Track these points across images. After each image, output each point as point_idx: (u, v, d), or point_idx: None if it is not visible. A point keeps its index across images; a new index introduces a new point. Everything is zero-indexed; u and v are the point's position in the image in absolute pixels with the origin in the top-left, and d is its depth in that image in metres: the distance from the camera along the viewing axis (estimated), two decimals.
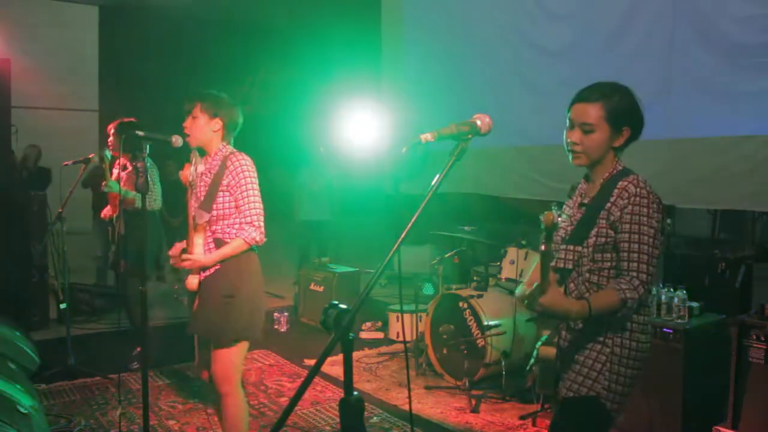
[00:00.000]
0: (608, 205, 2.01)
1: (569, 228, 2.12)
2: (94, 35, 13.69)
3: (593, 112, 2.04)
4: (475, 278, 4.85)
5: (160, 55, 13.75)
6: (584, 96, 2.08)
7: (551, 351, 2.17)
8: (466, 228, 5.76)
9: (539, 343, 2.23)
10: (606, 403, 2.01)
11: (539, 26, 6.38)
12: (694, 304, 3.52)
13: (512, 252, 4.61)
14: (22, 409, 3.01)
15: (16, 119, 6.39)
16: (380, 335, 5.74)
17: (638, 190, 1.99)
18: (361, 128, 7.03)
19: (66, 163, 4.80)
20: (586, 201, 2.12)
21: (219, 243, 2.86)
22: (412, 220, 1.75)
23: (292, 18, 14.63)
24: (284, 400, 4.29)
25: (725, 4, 4.72)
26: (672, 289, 3.53)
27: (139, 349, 4.83)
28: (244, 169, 2.86)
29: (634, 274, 1.92)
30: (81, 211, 7.25)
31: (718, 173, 4.87)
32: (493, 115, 1.83)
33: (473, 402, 4.10)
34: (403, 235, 1.70)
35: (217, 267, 2.85)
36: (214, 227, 2.85)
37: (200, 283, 2.88)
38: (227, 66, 15.01)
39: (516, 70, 6.61)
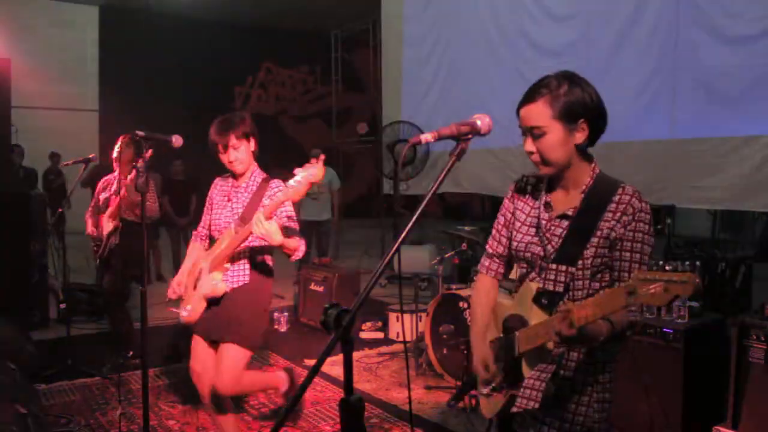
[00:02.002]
0: (608, 221, 1.78)
1: (549, 245, 1.85)
2: (94, 35, 13.71)
3: (538, 111, 1.79)
4: (475, 278, 4.84)
5: (160, 55, 13.76)
6: (526, 97, 1.84)
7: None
8: (466, 228, 5.76)
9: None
10: (598, 425, 1.86)
11: (541, 27, 6.38)
12: (694, 304, 3.52)
13: None
14: (21, 409, 3.01)
15: (16, 119, 6.39)
16: (380, 335, 5.74)
17: (642, 205, 1.78)
18: (361, 129, 7.02)
19: (66, 163, 4.80)
20: (569, 213, 1.84)
21: (256, 252, 3.03)
22: (413, 220, 1.75)
23: (292, 18, 14.63)
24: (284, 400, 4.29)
25: (729, 6, 4.73)
26: None
27: (131, 353, 4.85)
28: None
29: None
30: (81, 211, 7.26)
31: (720, 173, 4.88)
32: (494, 116, 1.83)
33: (473, 402, 4.10)
34: (403, 235, 1.69)
35: (248, 279, 3.02)
36: (250, 240, 2.94)
37: (232, 291, 2.99)
38: (227, 66, 15.04)
39: (517, 70, 6.61)
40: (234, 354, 2.95)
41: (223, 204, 3.09)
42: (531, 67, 6.47)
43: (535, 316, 1.81)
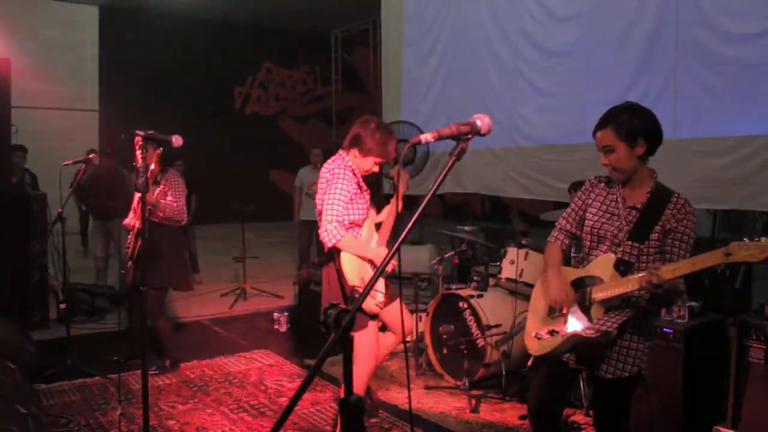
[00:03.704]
0: (667, 214, 2.41)
1: (625, 227, 2.47)
2: (94, 35, 13.69)
3: (607, 135, 2.42)
4: (475, 278, 4.85)
5: (160, 54, 13.76)
6: (598, 125, 2.47)
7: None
8: (466, 228, 5.76)
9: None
10: (643, 373, 2.51)
11: (542, 27, 6.37)
12: (694, 304, 3.52)
13: (512, 252, 4.61)
14: (21, 409, 3.01)
15: (16, 119, 6.39)
16: None
17: (691, 209, 2.43)
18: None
19: (66, 163, 4.80)
20: (638, 206, 2.47)
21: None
22: (413, 220, 1.75)
23: (292, 18, 14.63)
24: (284, 400, 4.29)
25: (729, 6, 4.72)
26: None
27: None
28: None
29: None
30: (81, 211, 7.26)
31: (721, 173, 4.88)
32: (494, 116, 1.83)
33: (473, 402, 4.10)
34: (403, 235, 1.70)
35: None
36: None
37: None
38: (227, 66, 15.04)
39: (518, 70, 6.61)
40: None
41: (362, 195, 3.42)
42: (531, 67, 6.47)
43: (612, 278, 2.42)
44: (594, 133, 2.47)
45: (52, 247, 5.13)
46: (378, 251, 3.37)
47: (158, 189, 4.63)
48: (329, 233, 3.20)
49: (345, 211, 3.25)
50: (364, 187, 3.47)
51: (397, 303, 3.54)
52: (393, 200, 3.51)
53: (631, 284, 2.32)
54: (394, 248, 1.69)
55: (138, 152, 4.35)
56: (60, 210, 4.72)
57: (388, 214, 3.56)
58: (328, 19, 13.28)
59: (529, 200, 6.71)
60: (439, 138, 1.84)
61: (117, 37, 13.58)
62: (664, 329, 3.39)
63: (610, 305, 2.43)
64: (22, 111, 9.57)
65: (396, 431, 3.80)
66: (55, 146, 11.39)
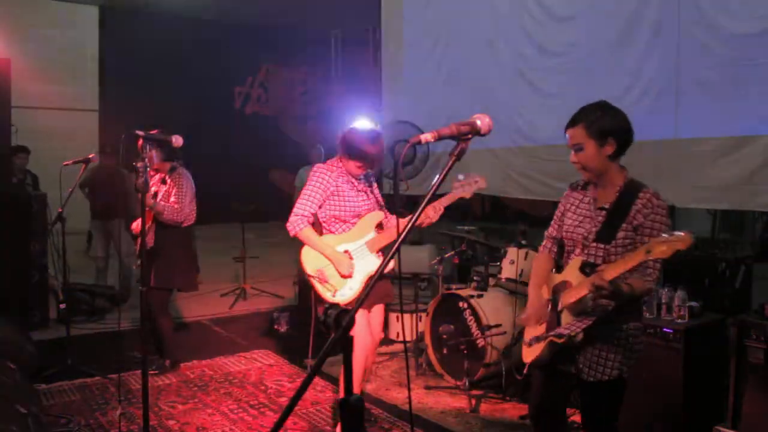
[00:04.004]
0: (633, 212, 2.38)
1: (593, 228, 2.48)
2: (94, 35, 13.68)
3: (577, 133, 2.44)
4: (475, 278, 4.85)
5: (160, 55, 13.75)
6: (569, 122, 2.49)
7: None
8: (466, 228, 5.76)
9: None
10: (624, 376, 2.47)
11: (542, 27, 6.36)
12: (694, 304, 3.52)
13: (512, 252, 4.61)
14: (21, 409, 3.01)
15: (16, 119, 6.38)
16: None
17: (659, 202, 2.39)
18: (361, 128, 7.00)
19: (66, 163, 4.80)
20: (606, 206, 2.47)
21: None
22: (413, 220, 1.75)
23: (292, 18, 14.62)
24: (284, 400, 4.29)
25: (730, 6, 4.72)
26: (672, 289, 3.52)
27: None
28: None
29: (650, 270, 2.33)
30: (81, 211, 7.25)
31: (722, 173, 4.87)
32: (494, 116, 1.83)
33: (473, 402, 4.10)
34: (403, 235, 1.70)
35: None
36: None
37: None
38: (227, 66, 15.03)
39: (518, 70, 6.60)
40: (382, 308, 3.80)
41: (354, 193, 3.58)
42: (532, 67, 6.46)
43: (578, 282, 2.42)
44: (565, 131, 2.49)
45: (52, 247, 5.13)
46: (335, 254, 3.49)
47: (164, 189, 4.66)
48: (291, 224, 3.55)
49: (312, 206, 3.54)
50: (361, 188, 3.62)
51: (382, 305, 3.75)
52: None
53: (584, 288, 2.33)
54: (394, 248, 1.69)
55: (145, 154, 4.45)
56: (60, 210, 4.72)
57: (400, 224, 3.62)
58: (328, 19, 13.27)
59: (529, 200, 6.70)
60: (439, 138, 1.84)
61: (117, 37, 13.57)
62: (664, 329, 3.39)
63: (577, 310, 2.43)
64: (22, 111, 9.57)
65: (396, 431, 3.80)
66: (55, 146, 11.36)
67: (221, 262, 8.85)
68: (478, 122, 1.84)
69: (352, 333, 3.34)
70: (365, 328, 3.58)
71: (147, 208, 4.45)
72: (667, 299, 3.50)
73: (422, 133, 1.91)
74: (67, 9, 13.28)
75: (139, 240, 4.71)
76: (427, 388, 4.44)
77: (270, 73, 16.56)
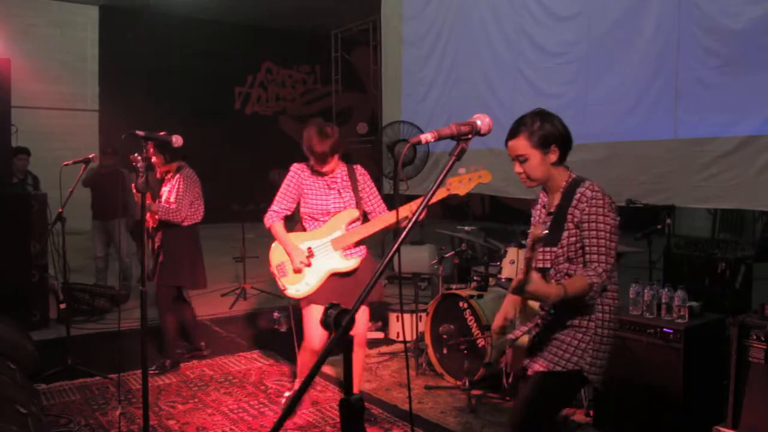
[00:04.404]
0: (571, 209, 2.38)
1: (543, 233, 2.37)
2: (94, 35, 13.67)
3: (520, 144, 2.41)
4: (475, 278, 4.85)
5: (160, 55, 13.74)
6: (510, 134, 2.46)
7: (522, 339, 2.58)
8: (466, 228, 5.76)
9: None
10: (588, 375, 2.40)
11: (542, 27, 6.37)
12: (694, 304, 3.52)
13: (512, 252, 4.61)
14: (21, 409, 3.01)
15: (16, 119, 6.38)
16: (380, 335, 5.74)
17: (594, 194, 2.36)
18: (361, 129, 7.02)
19: (66, 163, 4.80)
20: (552, 210, 2.48)
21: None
22: (412, 220, 1.75)
23: (292, 18, 14.63)
24: (284, 400, 4.28)
25: (729, 6, 4.72)
26: (672, 289, 3.52)
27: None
28: (368, 176, 3.88)
29: (595, 264, 2.30)
30: (81, 211, 7.25)
31: (722, 173, 4.87)
32: (494, 116, 1.83)
33: (473, 402, 4.10)
34: (403, 235, 1.70)
35: (364, 251, 3.81)
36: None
37: (361, 263, 3.75)
38: (227, 66, 15.02)
39: (518, 70, 6.61)
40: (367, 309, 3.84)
41: (324, 192, 3.68)
42: (532, 67, 6.47)
43: None
44: (506, 143, 2.46)
45: (52, 247, 5.13)
46: (293, 250, 3.67)
47: (167, 189, 4.74)
48: (265, 218, 3.77)
49: (284, 204, 3.75)
50: (335, 186, 3.71)
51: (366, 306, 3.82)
52: (393, 212, 3.68)
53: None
54: (394, 248, 1.69)
55: (153, 157, 4.60)
56: (60, 210, 4.72)
57: (378, 221, 3.68)
58: (328, 19, 13.27)
59: (529, 200, 6.71)
60: (439, 138, 1.84)
61: (117, 37, 13.56)
62: (664, 329, 3.39)
63: (532, 314, 2.51)
64: (22, 111, 9.55)
65: (396, 431, 3.80)
66: (55, 146, 11.37)
67: (221, 262, 8.84)
68: (478, 122, 1.84)
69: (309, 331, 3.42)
70: (310, 326, 3.70)
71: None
72: (667, 299, 3.49)
73: (422, 132, 1.92)
74: (67, 9, 13.28)
75: (149, 240, 4.82)
76: (427, 388, 4.44)
77: (270, 73, 16.56)
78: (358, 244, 3.73)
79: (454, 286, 4.83)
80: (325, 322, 1.66)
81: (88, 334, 5.86)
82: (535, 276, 2.19)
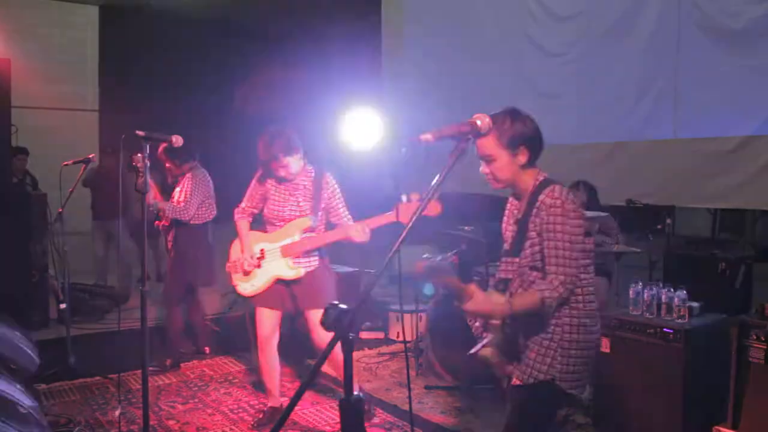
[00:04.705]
0: (532, 217, 2.23)
1: (509, 243, 2.37)
2: (94, 35, 13.65)
3: (488, 143, 2.24)
4: (475, 278, 4.84)
5: (160, 54, 13.72)
6: None
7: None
8: (466, 228, 5.75)
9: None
10: (561, 384, 2.23)
11: (542, 27, 6.36)
12: (694, 304, 3.52)
13: None
14: (21, 409, 3.00)
15: (16, 119, 6.38)
16: (380, 335, 5.74)
17: (553, 201, 2.19)
18: (362, 128, 7.03)
19: (66, 163, 4.80)
20: (519, 216, 2.33)
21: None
22: (412, 220, 1.75)
23: (292, 18, 14.62)
24: (284, 400, 4.28)
25: (730, 5, 4.72)
26: (672, 289, 3.52)
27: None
28: (335, 184, 3.77)
29: (553, 276, 2.15)
30: (81, 211, 7.25)
31: (722, 173, 4.87)
32: None
33: (473, 402, 4.10)
34: (403, 235, 1.70)
35: (318, 263, 3.74)
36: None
37: (310, 273, 3.71)
38: (227, 66, 15.00)
39: (518, 70, 6.60)
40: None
41: (283, 197, 3.71)
42: (532, 66, 6.47)
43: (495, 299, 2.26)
44: (474, 141, 2.26)
45: (52, 247, 5.13)
46: (247, 250, 3.76)
47: (179, 189, 4.85)
48: (234, 212, 3.90)
49: (250, 203, 3.85)
50: (294, 193, 3.72)
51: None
52: (352, 225, 3.63)
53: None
54: (394, 248, 1.69)
55: (166, 163, 4.77)
56: (60, 210, 4.72)
57: (331, 233, 3.68)
58: (328, 18, 13.26)
59: None
60: (440, 138, 1.84)
61: (117, 37, 13.55)
62: (664, 329, 3.39)
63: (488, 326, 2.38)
64: (22, 111, 9.53)
65: (396, 431, 3.80)
66: (55, 146, 11.36)
67: (222, 262, 8.82)
68: (478, 122, 1.84)
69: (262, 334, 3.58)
70: (274, 331, 3.81)
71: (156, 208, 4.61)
72: (667, 299, 3.49)
73: (422, 132, 1.92)
74: (67, 9, 13.26)
75: (167, 240, 4.95)
76: (427, 388, 4.44)
77: (270, 74, 16.56)
78: (310, 253, 3.71)
79: None
80: (325, 322, 1.66)
81: (88, 334, 5.86)
82: (474, 292, 2.07)
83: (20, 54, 9.29)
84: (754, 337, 3.13)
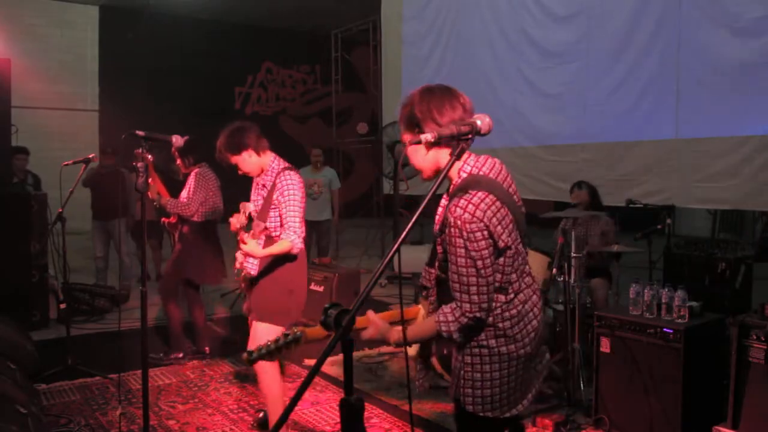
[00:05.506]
0: (447, 228, 1.94)
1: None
2: (94, 35, 13.68)
3: (401, 126, 2.08)
4: None
5: (160, 55, 13.74)
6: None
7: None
8: None
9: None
10: (472, 407, 2.06)
11: (542, 27, 6.37)
12: (694, 304, 3.52)
13: None
14: (21, 409, 3.00)
15: (16, 119, 6.39)
16: None
17: (453, 219, 1.90)
18: (361, 128, 7.02)
19: (66, 163, 4.80)
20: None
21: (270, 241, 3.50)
22: (412, 220, 1.75)
23: (291, 18, 14.63)
24: (284, 400, 4.28)
25: (731, 5, 4.72)
26: (672, 289, 3.53)
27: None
28: (289, 186, 3.47)
29: (458, 304, 1.95)
30: (81, 211, 7.25)
31: (722, 173, 4.87)
32: (495, 115, 1.83)
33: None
34: (403, 235, 1.70)
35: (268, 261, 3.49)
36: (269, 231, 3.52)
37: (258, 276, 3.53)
38: (227, 66, 15.02)
39: (518, 70, 6.60)
40: (260, 330, 3.45)
41: (255, 192, 3.69)
42: (532, 67, 6.47)
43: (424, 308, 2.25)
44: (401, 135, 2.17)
45: (52, 247, 5.13)
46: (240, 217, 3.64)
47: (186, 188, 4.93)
48: None
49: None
50: (259, 191, 3.65)
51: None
52: (279, 242, 3.43)
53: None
54: (394, 248, 1.69)
55: (178, 160, 4.85)
56: (60, 210, 4.72)
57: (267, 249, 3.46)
58: (328, 19, 13.27)
59: (529, 200, 6.71)
60: (440, 138, 1.84)
61: (117, 37, 13.56)
62: (664, 329, 3.39)
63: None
64: (22, 111, 9.55)
65: (396, 431, 3.80)
66: (55, 146, 11.38)
67: (229, 261, 8.82)
68: (479, 122, 1.83)
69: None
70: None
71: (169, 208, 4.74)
72: (667, 299, 3.49)
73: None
74: (67, 9, 13.28)
75: (174, 237, 5.03)
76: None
77: (270, 73, 16.56)
78: (263, 259, 3.51)
79: None
80: (325, 323, 1.65)
81: (88, 334, 5.86)
82: (370, 321, 2.00)
83: (20, 54, 9.30)
84: (754, 337, 3.13)
